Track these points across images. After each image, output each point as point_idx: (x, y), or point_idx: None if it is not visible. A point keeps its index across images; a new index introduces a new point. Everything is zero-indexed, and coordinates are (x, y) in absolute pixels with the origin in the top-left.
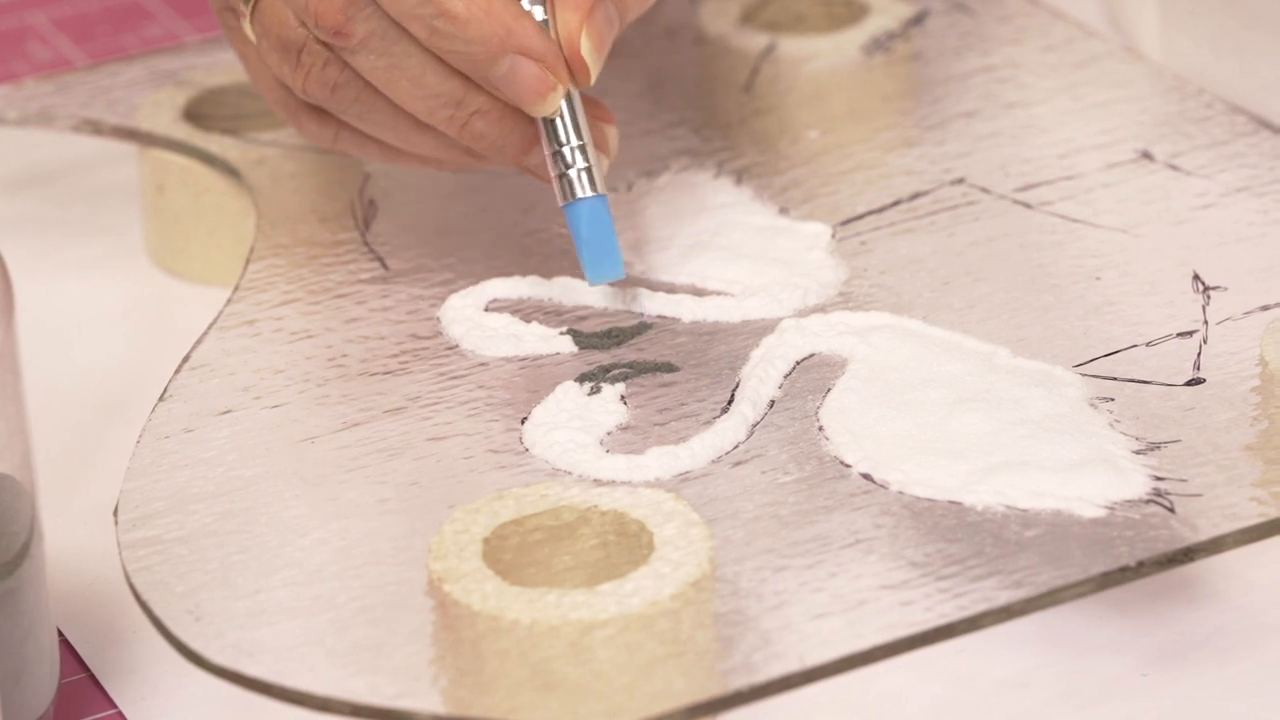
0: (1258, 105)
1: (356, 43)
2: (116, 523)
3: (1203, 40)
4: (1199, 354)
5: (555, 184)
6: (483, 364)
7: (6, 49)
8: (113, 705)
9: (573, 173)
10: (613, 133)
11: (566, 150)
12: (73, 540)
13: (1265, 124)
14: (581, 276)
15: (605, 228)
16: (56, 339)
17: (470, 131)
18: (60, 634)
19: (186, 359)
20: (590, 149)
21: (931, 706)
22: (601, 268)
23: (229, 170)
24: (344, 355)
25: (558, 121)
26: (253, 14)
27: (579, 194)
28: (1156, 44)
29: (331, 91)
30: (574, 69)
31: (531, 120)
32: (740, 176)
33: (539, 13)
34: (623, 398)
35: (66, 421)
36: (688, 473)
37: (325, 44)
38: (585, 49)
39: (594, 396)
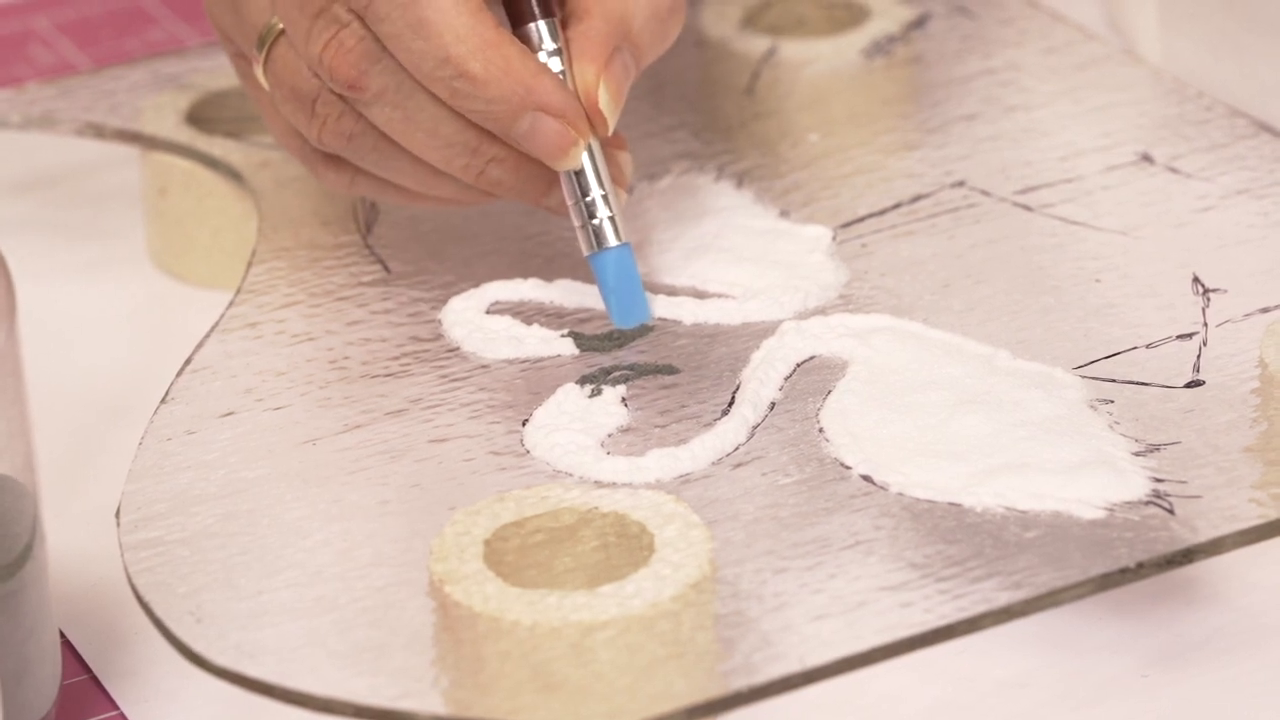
0: (1257, 108)
1: (371, 96)
2: (119, 524)
3: (1202, 43)
4: (1199, 356)
5: (579, 234)
6: (484, 366)
7: (9, 53)
8: (115, 706)
9: (596, 223)
10: (627, 159)
11: (589, 201)
12: (75, 542)
13: (1265, 127)
14: (585, 281)
15: (631, 275)
16: (59, 342)
17: (487, 178)
18: (62, 635)
19: (188, 361)
20: (612, 197)
21: (931, 707)
22: (629, 313)
23: (231, 173)
24: (346, 358)
25: (580, 173)
26: (265, 63)
27: (605, 244)
28: (1156, 47)
29: (348, 141)
30: (592, 120)
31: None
32: (741, 179)
33: (556, 64)
34: (624, 400)
35: (69, 423)
36: (688, 475)
37: (339, 95)
38: (603, 101)
39: (595, 399)
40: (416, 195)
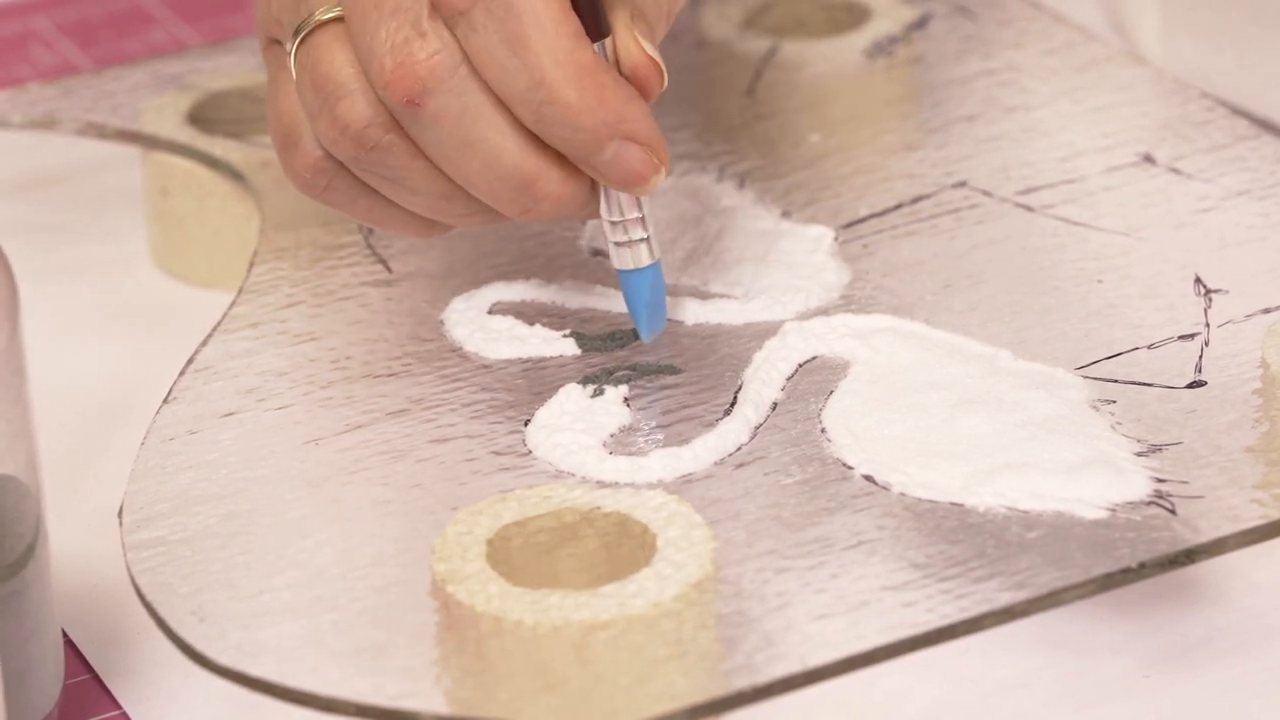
0: (1259, 105)
1: (427, 116)
2: (121, 524)
3: (1204, 39)
4: (1200, 356)
5: (614, 249)
6: (486, 366)
7: (10, 53)
8: (117, 706)
9: (636, 241)
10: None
11: (632, 220)
12: (76, 541)
13: (1267, 127)
14: (587, 281)
15: (660, 291)
16: (60, 342)
17: (534, 216)
18: (64, 635)
19: (190, 361)
20: (649, 216)
21: (933, 707)
22: (655, 325)
23: (233, 173)
24: (347, 358)
25: (627, 194)
26: (301, 42)
27: (643, 262)
28: (1158, 47)
29: (367, 152)
30: (650, 84)
31: (592, 190)
32: (743, 180)
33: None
34: (626, 400)
35: (70, 423)
36: (690, 474)
37: (377, 102)
38: (650, 50)
39: (597, 399)
40: (394, 219)
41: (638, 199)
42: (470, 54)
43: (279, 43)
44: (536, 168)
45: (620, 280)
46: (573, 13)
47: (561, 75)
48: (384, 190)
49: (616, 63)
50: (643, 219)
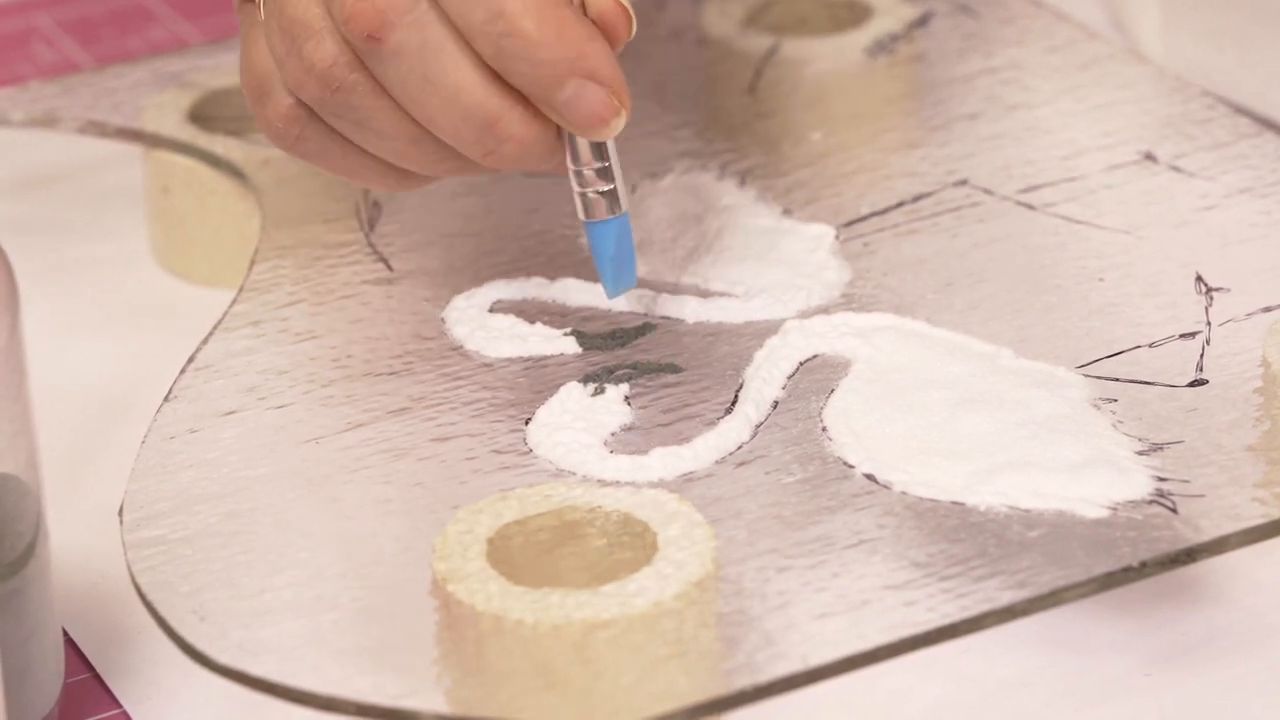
0: (1260, 103)
1: (389, 50)
2: (121, 523)
3: (1205, 38)
4: (1202, 355)
5: (578, 200)
6: (487, 365)
7: (11, 51)
8: (117, 705)
9: (601, 193)
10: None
11: (596, 170)
12: (77, 540)
13: (1268, 125)
14: (588, 280)
15: (628, 245)
16: (61, 340)
17: (497, 158)
18: (65, 633)
19: (191, 360)
20: (617, 167)
21: (934, 706)
22: (621, 281)
23: (234, 172)
24: (348, 356)
25: (595, 143)
26: None
27: (607, 214)
28: (1158, 44)
29: (332, 93)
30: (616, 30)
31: (558, 136)
32: (744, 178)
33: None
34: (627, 398)
35: (71, 422)
36: (691, 473)
37: (342, 41)
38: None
39: (598, 397)
40: (366, 168)
41: (604, 147)
42: None
43: (251, 0)
44: (499, 106)
45: (586, 233)
46: None
47: (521, 6)
48: (353, 136)
49: (584, 8)
50: (608, 169)
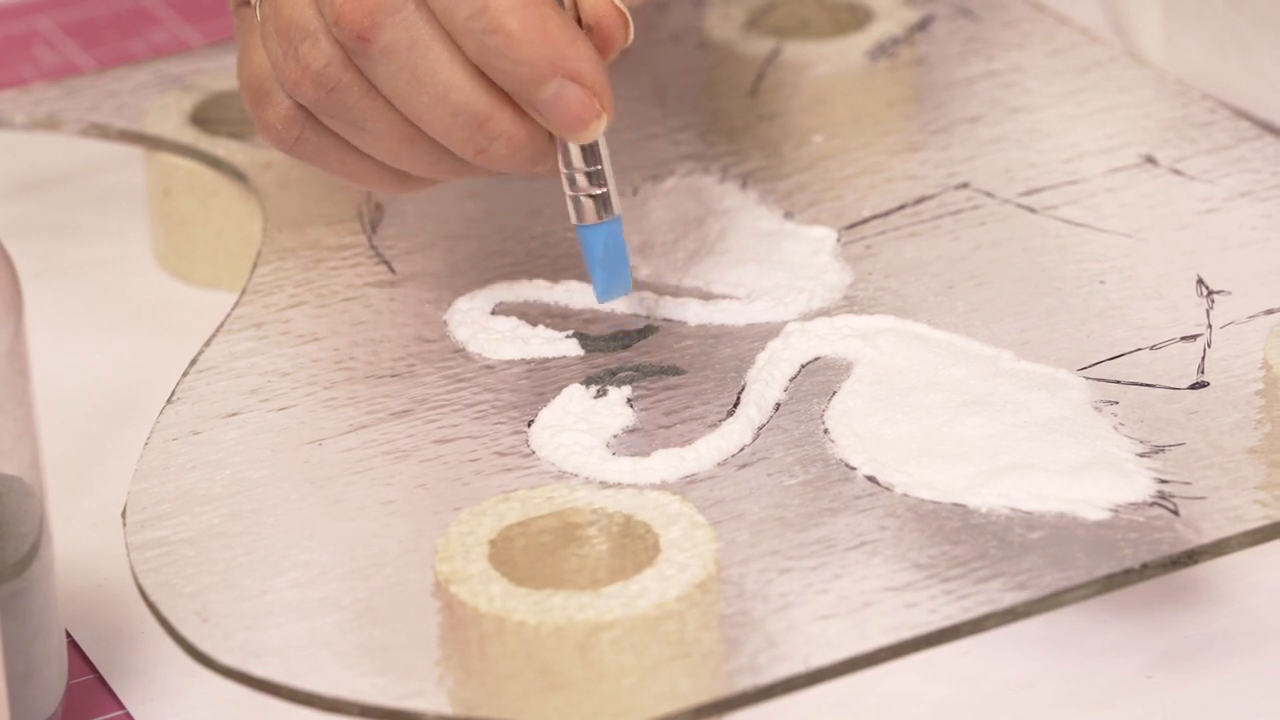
0: (1262, 107)
1: (378, 49)
2: (125, 524)
3: (1207, 41)
4: (1203, 357)
5: (570, 203)
6: (489, 367)
7: (14, 54)
8: (120, 706)
9: (592, 196)
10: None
11: (591, 172)
12: (79, 541)
13: (1269, 129)
14: (590, 282)
15: (620, 249)
16: (63, 342)
17: (488, 157)
18: (67, 635)
19: (194, 362)
20: (609, 170)
21: (936, 708)
22: (613, 286)
23: (236, 174)
24: (351, 358)
25: (584, 146)
26: None
27: (598, 217)
28: (1160, 47)
29: (327, 94)
30: (611, 34)
31: (550, 138)
32: (745, 181)
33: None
34: (629, 400)
35: (72, 423)
36: (694, 475)
37: (335, 42)
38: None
39: (600, 399)
40: (364, 170)
41: (595, 150)
42: None
43: (248, 3)
44: (488, 105)
45: (578, 236)
46: None
47: (506, 4)
48: (349, 137)
49: (576, 12)
50: (598, 172)
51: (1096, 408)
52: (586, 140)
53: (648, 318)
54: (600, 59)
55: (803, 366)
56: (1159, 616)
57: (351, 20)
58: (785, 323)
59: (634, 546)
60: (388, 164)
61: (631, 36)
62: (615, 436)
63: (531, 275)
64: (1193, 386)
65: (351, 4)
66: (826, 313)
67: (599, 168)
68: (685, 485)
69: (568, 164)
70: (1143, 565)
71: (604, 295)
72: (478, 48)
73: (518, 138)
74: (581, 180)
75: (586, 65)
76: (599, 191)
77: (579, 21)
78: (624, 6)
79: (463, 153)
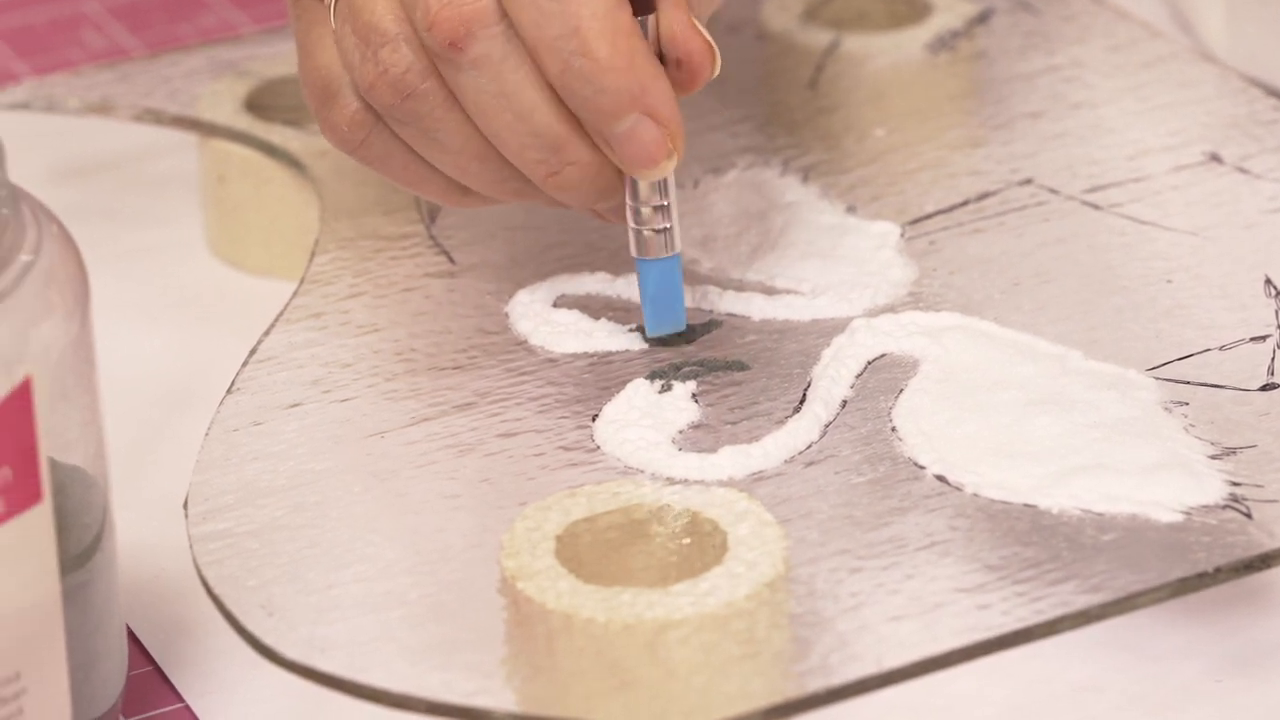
0: None
1: (468, 60)
2: (186, 516)
3: (1270, 40)
4: (1273, 359)
5: (632, 236)
6: (551, 360)
7: (61, 36)
8: (180, 699)
9: (656, 232)
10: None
11: (653, 209)
12: (137, 532)
13: None
14: None
15: (676, 285)
16: (116, 329)
17: (559, 181)
18: (127, 626)
19: (254, 351)
20: (674, 207)
21: (1002, 711)
22: (665, 322)
23: (291, 162)
24: (412, 350)
25: (653, 182)
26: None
27: (658, 253)
28: (1223, 44)
29: (403, 99)
30: (698, 66)
31: (619, 174)
32: (806, 174)
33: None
34: (694, 395)
35: (127, 412)
36: (760, 472)
37: (418, 50)
38: (704, 32)
39: (665, 394)
40: (427, 180)
41: (665, 185)
42: None
43: None
44: (568, 131)
45: (636, 267)
46: None
47: (597, 28)
48: (418, 146)
49: (658, 45)
50: (664, 208)
51: (1167, 408)
52: (654, 178)
53: (711, 312)
54: (675, 97)
55: (869, 363)
56: (1228, 620)
57: (446, 28)
58: (850, 319)
59: (701, 544)
60: (452, 177)
61: (719, 69)
62: (681, 432)
63: (593, 268)
64: (1263, 388)
65: (448, 11)
66: (892, 309)
67: (665, 204)
68: (752, 482)
69: (634, 197)
70: (1216, 569)
71: (655, 329)
72: (562, 69)
73: (591, 165)
74: (646, 213)
75: (664, 102)
76: (663, 226)
77: (659, 54)
78: (711, 39)
79: (534, 174)
